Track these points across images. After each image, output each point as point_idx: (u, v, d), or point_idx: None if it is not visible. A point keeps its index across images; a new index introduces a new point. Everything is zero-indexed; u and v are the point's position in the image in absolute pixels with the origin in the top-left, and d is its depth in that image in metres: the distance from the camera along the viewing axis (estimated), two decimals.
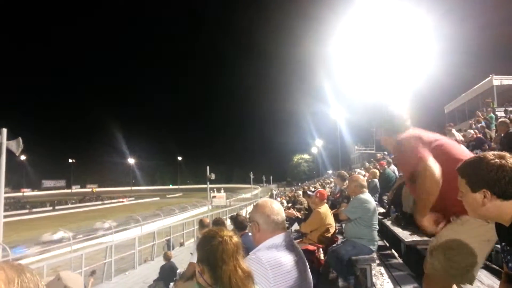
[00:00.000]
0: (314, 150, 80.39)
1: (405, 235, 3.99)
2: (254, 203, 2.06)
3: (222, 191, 52.77)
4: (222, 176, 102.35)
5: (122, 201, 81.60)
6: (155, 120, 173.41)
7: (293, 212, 7.65)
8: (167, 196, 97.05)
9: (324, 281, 4.45)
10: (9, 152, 8.52)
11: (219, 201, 45.64)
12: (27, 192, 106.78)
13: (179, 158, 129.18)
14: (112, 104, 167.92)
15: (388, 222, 5.07)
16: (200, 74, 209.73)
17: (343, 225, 4.96)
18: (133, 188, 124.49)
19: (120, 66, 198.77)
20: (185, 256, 6.86)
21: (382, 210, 6.39)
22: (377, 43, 33.54)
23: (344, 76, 45.43)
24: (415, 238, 3.80)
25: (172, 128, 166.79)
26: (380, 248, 4.91)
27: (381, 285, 3.62)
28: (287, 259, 1.78)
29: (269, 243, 1.84)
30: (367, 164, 20.04)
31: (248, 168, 75.99)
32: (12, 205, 64.15)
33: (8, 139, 8.51)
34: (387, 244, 5.45)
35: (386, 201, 6.75)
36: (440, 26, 32.23)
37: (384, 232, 5.59)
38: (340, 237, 5.23)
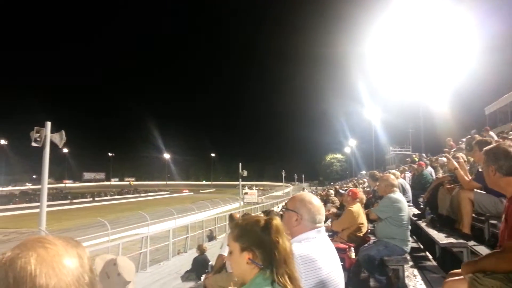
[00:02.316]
0: (347, 149, 78.93)
1: (441, 237, 3.89)
2: (294, 195, 2.08)
3: (254, 188, 53.08)
4: (254, 174, 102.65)
5: (162, 194, 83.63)
6: (190, 117, 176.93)
7: (332, 209, 7.63)
8: (200, 191, 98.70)
9: (355, 280, 4.42)
10: (53, 145, 8.85)
11: (251, 198, 45.94)
12: (69, 184, 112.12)
13: (213, 155, 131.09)
14: (150, 102, 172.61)
15: (423, 224, 4.95)
16: (234, 73, 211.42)
17: (375, 225, 4.90)
18: (168, 182, 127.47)
19: (157, 65, 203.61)
20: (217, 250, 6.97)
21: (417, 211, 6.26)
22: (415, 41, 32.28)
23: (379, 75, 44.19)
24: (451, 240, 3.71)
25: (207, 125, 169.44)
26: (414, 250, 4.81)
27: (413, 286, 3.56)
28: (320, 255, 1.76)
29: (303, 237, 1.85)
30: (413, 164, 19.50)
31: (280, 166, 75.74)
32: (54, 195, 67.30)
33: (52, 132, 8.87)
34: (421, 246, 5.32)
35: (421, 203, 6.58)
36: (482, 23, 30.53)
37: (419, 234, 5.47)
38: (372, 237, 5.17)
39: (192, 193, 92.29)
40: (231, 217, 5.71)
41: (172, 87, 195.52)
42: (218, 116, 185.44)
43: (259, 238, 1.46)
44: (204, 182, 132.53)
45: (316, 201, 1.97)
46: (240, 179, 28.15)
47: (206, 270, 7.08)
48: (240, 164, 26.49)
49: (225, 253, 5.35)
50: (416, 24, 31.64)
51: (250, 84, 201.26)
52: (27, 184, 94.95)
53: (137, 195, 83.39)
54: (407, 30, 32.78)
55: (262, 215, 1.60)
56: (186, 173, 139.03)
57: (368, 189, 10.30)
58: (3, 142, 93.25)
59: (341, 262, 2.10)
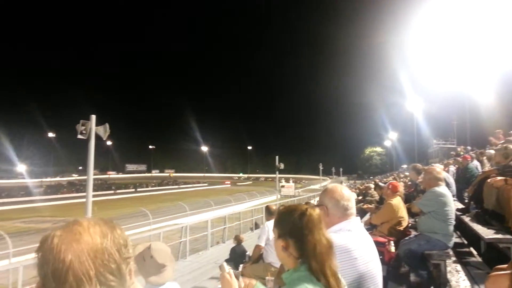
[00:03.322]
0: (387, 143, 76.69)
1: (486, 233, 3.73)
2: (326, 188, 2.09)
3: (291, 181, 52.99)
4: (291, 167, 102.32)
5: (200, 186, 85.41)
6: (227, 110, 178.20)
7: (369, 205, 7.52)
8: (237, 183, 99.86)
9: (395, 274, 4.34)
10: (98, 137, 9.26)
11: (287, 191, 45.87)
12: (113, 175, 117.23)
13: (249, 148, 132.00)
14: (189, 96, 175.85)
15: (467, 219, 4.77)
16: (270, 65, 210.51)
17: (417, 220, 4.78)
18: (206, 174, 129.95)
19: (195, 58, 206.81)
20: (253, 241, 7.06)
21: (461, 206, 6.03)
22: (460, 26, 30.49)
23: (421, 64, 42.23)
24: (497, 235, 3.56)
25: (244, 118, 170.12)
26: (457, 245, 4.65)
27: (456, 282, 3.45)
28: (355, 245, 1.75)
29: (337, 227, 1.84)
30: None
31: (317, 159, 74.85)
32: (99, 186, 70.24)
33: (97, 125, 9.27)
34: (465, 242, 5.13)
35: (466, 197, 6.34)
36: None
37: (463, 228, 5.27)
38: (413, 231, 5.05)
39: (229, 185, 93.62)
40: (268, 208, 5.76)
41: (209, 79, 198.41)
42: (255, 109, 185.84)
43: (292, 227, 1.46)
44: (241, 175, 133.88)
45: (340, 188, 1.97)
46: (277, 172, 28.16)
47: (244, 260, 7.20)
48: (277, 157, 26.46)
49: (262, 244, 5.43)
50: (462, 8, 29.96)
51: (287, 77, 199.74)
52: (73, 175, 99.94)
53: (176, 186, 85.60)
54: (451, 15, 31.11)
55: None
56: (224, 166, 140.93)
57: (409, 182, 10.03)
58: (51, 135, 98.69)
59: (380, 255, 2.08)
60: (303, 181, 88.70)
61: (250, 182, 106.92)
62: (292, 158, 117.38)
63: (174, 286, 2.22)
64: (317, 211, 1.51)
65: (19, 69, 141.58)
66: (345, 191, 1.97)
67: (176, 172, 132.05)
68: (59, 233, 0.77)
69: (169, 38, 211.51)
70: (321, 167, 59.05)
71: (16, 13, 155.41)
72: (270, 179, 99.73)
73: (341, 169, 78.11)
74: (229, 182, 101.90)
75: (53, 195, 55.64)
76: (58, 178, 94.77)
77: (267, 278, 2.19)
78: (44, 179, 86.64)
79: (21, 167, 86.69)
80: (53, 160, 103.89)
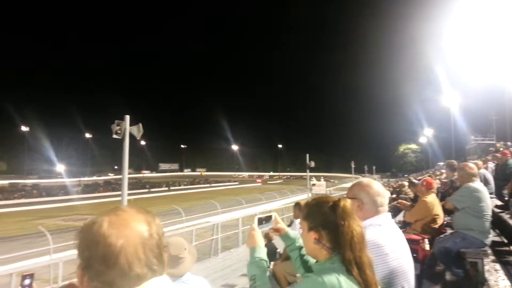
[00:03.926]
0: (422, 139, 74.33)
1: None
2: (354, 182, 2.07)
3: (322, 179, 52.45)
4: (322, 165, 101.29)
5: (231, 184, 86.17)
6: (258, 109, 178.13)
7: (403, 201, 7.36)
8: (268, 182, 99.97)
9: (430, 273, 4.23)
10: (131, 137, 9.50)
11: (319, 189, 45.41)
12: (147, 174, 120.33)
13: (280, 146, 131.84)
14: (220, 95, 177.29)
15: (506, 216, 4.58)
16: (300, 64, 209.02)
17: (452, 217, 4.63)
18: (237, 173, 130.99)
19: (224, 56, 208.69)
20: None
21: (500, 203, 5.79)
22: (499, 16, 29.01)
23: (458, 57, 40.53)
24: None
25: (274, 117, 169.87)
26: (496, 243, 4.47)
27: (495, 281, 3.32)
28: (386, 241, 1.72)
29: (367, 222, 1.81)
30: None
31: (349, 157, 73.69)
32: (134, 185, 72.14)
33: (131, 125, 9.53)
34: (505, 240, 4.93)
35: (505, 194, 6.08)
36: None
37: (502, 226, 5.06)
38: (449, 230, 4.89)
39: (260, 183, 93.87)
40: (298, 205, 5.75)
41: (239, 79, 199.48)
42: (285, 107, 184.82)
43: (325, 218, 1.44)
44: (271, 173, 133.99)
45: (376, 185, 1.93)
46: (308, 170, 27.98)
47: (275, 258, 7.21)
48: (308, 155, 26.29)
49: None
50: None
51: (317, 74, 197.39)
52: (110, 174, 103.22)
53: (207, 185, 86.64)
54: (490, 4, 29.69)
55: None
56: (254, 164, 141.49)
57: (445, 180, 9.71)
58: (88, 135, 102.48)
59: (414, 254, 2.02)
60: (334, 180, 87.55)
61: (281, 181, 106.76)
62: (323, 156, 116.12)
63: (196, 279, 2.25)
64: (348, 201, 1.50)
65: (58, 71, 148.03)
66: (379, 186, 1.95)
67: (207, 171, 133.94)
68: (107, 219, 0.83)
69: (201, 37, 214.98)
70: (353, 165, 58.14)
71: (53, 17, 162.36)
72: (302, 178, 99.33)
73: (374, 167, 76.67)
74: (260, 181, 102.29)
75: (90, 193, 57.71)
76: (95, 178, 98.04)
77: (298, 275, 2.20)
78: (82, 179, 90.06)
79: (60, 167, 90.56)
80: (90, 160, 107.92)
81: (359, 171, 74.90)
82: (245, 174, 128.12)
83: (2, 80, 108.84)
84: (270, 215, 1.91)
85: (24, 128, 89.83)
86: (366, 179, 2.01)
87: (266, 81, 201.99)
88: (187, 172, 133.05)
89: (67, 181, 76.36)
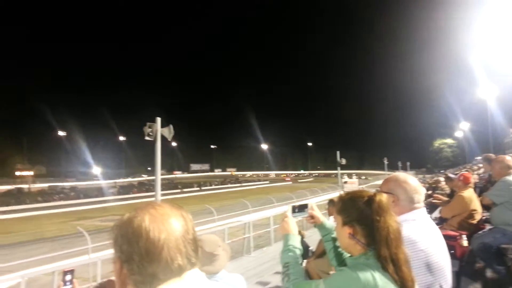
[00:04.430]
0: (458, 133, 71.59)
1: None
2: (390, 176, 2.04)
3: (354, 176, 51.59)
4: (353, 162, 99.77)
5: (261, 184, 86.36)
6: (287, 108, 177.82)
7: (439, 196, 7.14)
8: (299, 180, 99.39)
9: (469, 270, 4.09)
10: (163, 139, 9.72)
11: (351, 187, 44.64)
12: (178, 174, 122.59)
13: (309, 144, 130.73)
14: (248, 95, 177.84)
15: None
16: (328, 59, 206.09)
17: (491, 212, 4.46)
18: (267, 172, 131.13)
19: (252, 53, 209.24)
20: (317, 237, 7.01)
21: None
22: None
23: (495, 46, 38.63)
24: None
25: (303, 115, 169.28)
26: None
27: None
28: (421, 237, 1.70)
29: (403, 218, 1.77)
30: None
31: (381, 154, 72.21)
32: (166, 185, 73.49)
33: (162, 126, 9.75)
34: None
35: None
36: None
37: None
38: (488, 225, 4.71)
39: (290, 182, 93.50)
40: (332, 201, 5.69)
41: (268, 78, 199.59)
42: (314, 104, 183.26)
43: (360, 213, 1.43)
44: (302, 172, 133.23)
45: (412, 181, 1.89)
46: (339, 168, 27.61)
47: (307, 256, 7.18)
48: (338, 152, 25.94)
49: None
50: None
51: (346, 68, 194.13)
52: (143, 175, 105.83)
53: (238, 184, 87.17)
54: None
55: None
56: (284, 163, 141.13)
57: (483, 175, 9.33)
58: (121, 138, 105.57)
59: (452, 250, 1.96)
60: (367, 177, 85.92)
61: (311, 179, 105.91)
62: (354, 153, 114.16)
63: (233, 277, 2.28)
64: (384, 196, 1.48)
65: (92, 73, 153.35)
66: (417, 182, 1.92)
67: (237, 170, 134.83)
68: (147, 214, 0.86)
69: (230, 38, 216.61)
70: (385, 162, 56.85)
71: (86, 19, 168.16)
72: (333, 175, 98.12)
73: (408, 163, 74.65)
74: (288, 179, 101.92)
75: (125, 195, 59.15)
76: (129, 179, 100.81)
77: (331, 273, 2.19)
78: (117, 180, 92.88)
79: (96, 170, 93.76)
80: (124, 162, 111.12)
81: (392, 167, 73.01)
82: (275, 173, 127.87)
83: (39, 82, 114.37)
84: (305, 203, 1.90)
85: (61, 133, 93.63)
86: (402, 174, 1.97)
87: (294, 79, 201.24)
88: (217, 172, 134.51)
89: (103, 183, 79.03)
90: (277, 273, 8.39)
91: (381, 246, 1.34)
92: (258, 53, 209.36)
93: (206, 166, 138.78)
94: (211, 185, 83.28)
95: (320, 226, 1.87)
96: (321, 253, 5.42)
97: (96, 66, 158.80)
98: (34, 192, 69.90)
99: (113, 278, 1.06)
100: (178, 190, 67.55)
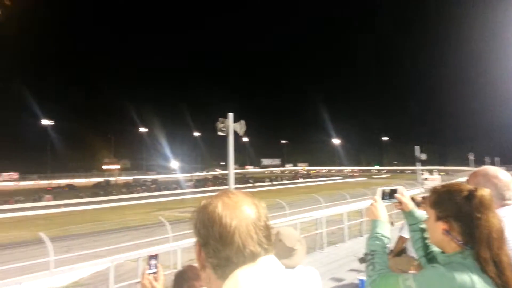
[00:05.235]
0: None
1: None
2: (478, 169, 1.84)
3: (436, 173, 48.32)
4: (434, 157, 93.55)
5: (333, 179, 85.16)
6: (360, 101, 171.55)
7: None
8: (373, 176, 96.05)
9: None
10: (235, 134, 9.96)
11: (432, 184, 41.93)
12: (250, 169, 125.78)
13: (385, 138, 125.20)
14: (320, 89, 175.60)
15: None
16: (406, 47, 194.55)
17: None
18: (339, 167, 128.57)
19: (324, 52, 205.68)
20: (394, 235, 6.62)
21: None
22: None
23: None
24: None
25: (378, 108, 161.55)
26: None
27: None
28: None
29: None
30: None
31: (466, 148, 66.76)
32: (239, 179, 75.81)
33: (234, 122, 9.96)
34: None
35: None
36: None
37: None
38: None
39: (365, 178, 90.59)
40: (412, 199, 5.30)
41: (339, 71, 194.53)
42: (389, 96, 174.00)
43: (458, 209, 1.29)
44: (376, 167, 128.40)
45: (504, 175, 1.76)
46: (418, 163, 26.09)
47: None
48: (417, 146, 24.52)
49: (406, 235, 5.04)
50: None
51: (427, 56, 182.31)
52: (216, 169, 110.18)
53: (309, 179, 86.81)
54: None
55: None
56: (357, 158, 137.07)
57: None
58: (196, 133, 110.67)
59: None
60: (452, 173, 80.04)
61: (388, 175, 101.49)
62: (435, 148, 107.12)
63: (308, 269, 2.22)
64: (487, 191, 1.31)
65: (169, 71, 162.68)
66: (509, 177, 1.77)
67: (309, 165, 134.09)
68: (221, 201, 0.93)
69: (295, 37, 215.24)
70: (471, 157, 52.60)
71: (165, 21, 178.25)
72: (409, 172, 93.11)
73: (496, 159, 68.17)
74: (357, 175, 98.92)
75: (200, 188, 62.41)
76: (204, 173, 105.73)
77: (410, 272, 2.07)
78: (193, 174, 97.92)
79: (174, 164, 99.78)
80: (200, 157, 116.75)
81: (479, 163, 67.25)
82: (348, 168, 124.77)
83: (125, 82, 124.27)
84: (395, 188, 1.73)
85: (143, 129, 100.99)
86: (492, 168, 1.85)
87: (367, 70, 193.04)
88: (288, 167, 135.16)
89: (181, 176, 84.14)
90: (352, 270, 8.16)
91: (481, 246, 1.22)
92: (331, 45, 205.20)
93: (277, 161, 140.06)
94: (282, 180, 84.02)
95: (409, 214, 1.70)
96: (400, 251, 5.16)
97: (172, 66, 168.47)
98: (120, 184, 76.91)
99: (193, 264, 1.19)
100: (250, 184, 69.44)
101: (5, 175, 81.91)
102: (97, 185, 73.75)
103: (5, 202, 43.72)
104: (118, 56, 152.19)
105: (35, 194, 51.24)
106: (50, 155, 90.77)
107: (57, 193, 58.00)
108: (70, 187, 70.46)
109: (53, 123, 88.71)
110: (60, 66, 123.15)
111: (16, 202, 45.16)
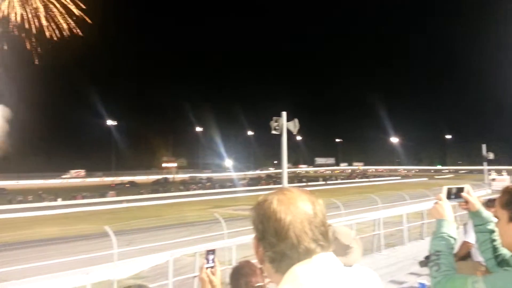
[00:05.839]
0: None
1: None
2: None
3: (505, 173, 44.85)
4: (504, 156, 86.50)
5: (392, 179, 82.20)
6: (420, 97, 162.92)
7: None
8: (436, 177, 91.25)
9: None
10: (289, 133, 9.93)
11: (500, 185, 39.00)
12: (304, 168, 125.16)
13: (448, 137, 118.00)
14: (375, 85, 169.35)
15: None
16: (469, 37, 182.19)
17: None
18: (398, 167, 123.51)
19: (378, 45, 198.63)
20: (459, 238, 6.24)
21: None
22: None
23: None
24: None
25: (441, 104, 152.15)
26: None
27: None
28: None
29: None
30: None
31: None
32: (292, 178, 75.84)
33: (288, 121, 9.93)
34: None
35: None
36: None
37: None
38: None
39: (426, 178, 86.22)
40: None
41: (394, 63, 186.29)
42: (451, 91, 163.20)
43: None
44: (439, 167, 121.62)
45: None
46: (485, 163, 24.34)
47: None
48: (484, 145, 22.88)
49: (471, 240, 4.73)
50: None
51: (495, 46, 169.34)
52: (270, 168, 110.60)
53: (366, 179, 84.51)
54: None
55: None
56: (417, 157, 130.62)
57: None
58: (250, 132, 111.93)
59: None
60: None
61: (452, 175, 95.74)
62: (505, 147, 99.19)
63: (365, 269, 2.17)
64: None
65: (221, 71, 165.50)
66: None
67: (365, 165, 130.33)
68: (276, 197, 0.96)
69: (348, 32, 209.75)
70: None
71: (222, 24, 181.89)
72: (475, 172, 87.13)
73: None
74: (410, 174, 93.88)
75: (254, 186, 63.12)
76: (257, 172, 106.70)
77: (478, 273, 1.92)
78: (247, 173, 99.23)
79: (228, 163, 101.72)
80: (253, 156, 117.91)
81: None
82: (406, 168, 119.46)
83: (183, 83, 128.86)
84: (462, 187, 1.63)
85: (199, 128, 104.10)
86: None
87: (424, 60, 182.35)
88: (343, 166, 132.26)
89: (234, 174, 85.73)
90: (411, 273, 7.82)
91: None
92: (384, 37, 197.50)
93: (331, 160, 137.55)
94: (336, 179, 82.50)
95: (475, 214, 1.58)
96: (464, 256, 4.88)
97: (227, 65, 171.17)
98: (177, 181, 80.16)
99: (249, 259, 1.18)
100: (304, 184, 68.94)
101: (73, 172, 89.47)
102: (156, 182, 77.62)
103: (73, 198, 47.73)
104: (182, 57, 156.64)
105: (100, 190, 55.13)
106: (114, 154, 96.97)
107: (120, 189, 61.73)
108: (132, 183, 74.56)
109: (116, 124, 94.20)
110: (124, 68, 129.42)
111: (83, 197, 48.89)
